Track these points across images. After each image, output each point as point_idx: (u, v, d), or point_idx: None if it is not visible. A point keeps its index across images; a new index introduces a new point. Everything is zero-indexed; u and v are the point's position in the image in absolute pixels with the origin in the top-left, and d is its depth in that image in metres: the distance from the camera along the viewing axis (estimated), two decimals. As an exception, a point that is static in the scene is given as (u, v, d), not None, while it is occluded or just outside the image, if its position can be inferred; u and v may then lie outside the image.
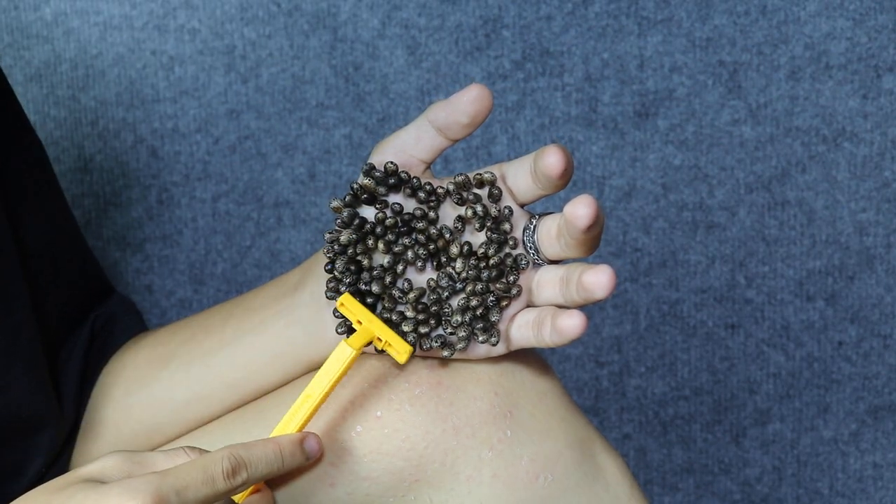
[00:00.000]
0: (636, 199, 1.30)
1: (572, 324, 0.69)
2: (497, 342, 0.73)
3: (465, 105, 0.70)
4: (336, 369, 0.71)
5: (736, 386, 1.33)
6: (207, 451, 0.69)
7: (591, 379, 1.34)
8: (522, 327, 0.73)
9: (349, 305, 0.72)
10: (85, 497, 0.64)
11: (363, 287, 0.74)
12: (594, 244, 0.70)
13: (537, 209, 0.78)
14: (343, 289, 0.73)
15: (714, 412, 1.34)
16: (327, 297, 0.74)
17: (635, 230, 1.31)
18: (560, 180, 0.69)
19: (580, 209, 0.67)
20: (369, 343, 0.72)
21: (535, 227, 0.72)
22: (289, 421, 0.71)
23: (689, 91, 1.28)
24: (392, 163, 0.72)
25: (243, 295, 0.82)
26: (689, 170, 1.29)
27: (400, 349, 0.72)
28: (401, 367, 0.74)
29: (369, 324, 0.72)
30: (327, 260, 0.74)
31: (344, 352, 0.71)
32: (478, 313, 0.72)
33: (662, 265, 1.31)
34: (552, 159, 0.68)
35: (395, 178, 0.73)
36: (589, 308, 1.30)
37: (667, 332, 1.33)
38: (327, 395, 0.71)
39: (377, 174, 0.73)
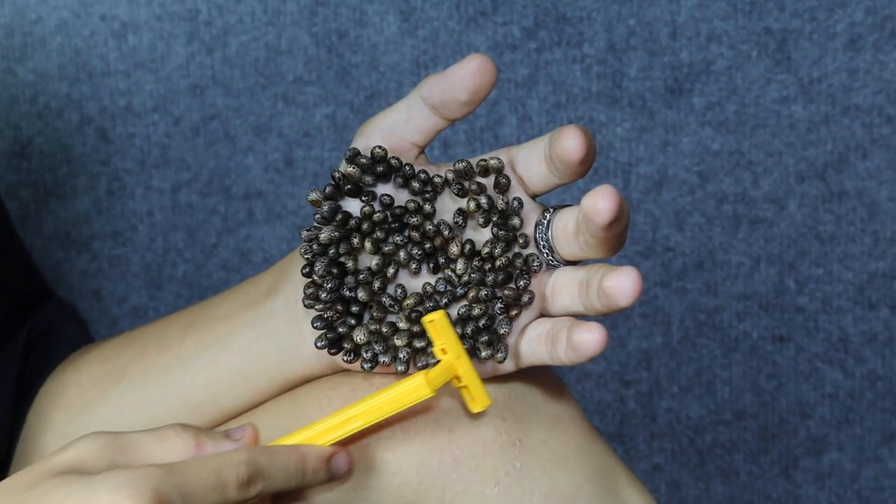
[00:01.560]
0: (668, 189, 1.30)
1: (590, 339, 0.68)
2: (504, 358, 0.72)
3: (463, 79, 0.70)
4: (402, 402, 0.70)
5: (785, 409, 1.34)
6: (203, 430, 0.68)
7: (615, 400, 1.34)
8: (534, 341, 0.72)
9: (440, 327, 0.71)
10: (67, 494, 0.62)
11: (347, 293, 0.73)
12: (618, 242, 0.69)
13: (552, 201, 0.78)
14: (324, 295, 0.72)
15: (760, 439, 1.35)
16: (304, 306, 0.73)
17: (667, 226, 1.31)
18: (580, 167, 0.69)
19: (600, 202, 0.66)
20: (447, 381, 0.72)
21: (549, 222, 0.72)
22: (321, 434, 0.70)
23: (730, 63, 1.28)
24: (380, 147, 0.72)
25: (206, 301, 0.82)
26: (729, 155, 1.29)
27: (478, 399, 0.72)
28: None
29: (456, 360, 0.71)
30: (305, 262, 0.73)
31: (420, 389, 0.70)
32: (481, 324, 0.72)
33: (699, 267, 1.32)
34: (571, 142, 0.68)
35: (383, 166, 0.72)
36: (613, 317, 1.31)
37: (704, 345, 1.33)
38: (372, 423, 0.70)
39: (362, 161, 0.72)
